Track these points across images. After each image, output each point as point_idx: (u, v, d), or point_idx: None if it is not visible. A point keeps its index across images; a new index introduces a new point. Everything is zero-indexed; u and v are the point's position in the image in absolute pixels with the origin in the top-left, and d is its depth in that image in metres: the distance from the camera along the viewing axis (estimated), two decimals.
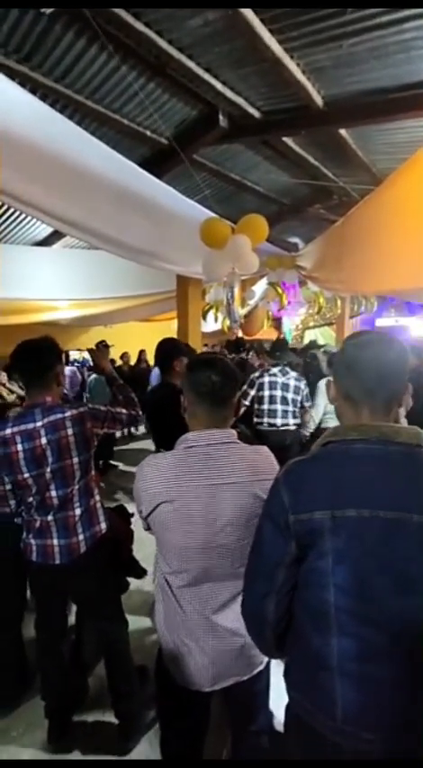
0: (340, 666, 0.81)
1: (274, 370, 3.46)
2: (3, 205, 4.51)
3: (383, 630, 0.80)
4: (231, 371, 1.14)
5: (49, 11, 2.67)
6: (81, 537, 1.56)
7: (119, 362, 7.56)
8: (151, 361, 7.90)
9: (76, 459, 1.52)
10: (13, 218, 5.08)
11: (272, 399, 3.38)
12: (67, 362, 6.75)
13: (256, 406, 3.44)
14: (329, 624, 0.81)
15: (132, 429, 7.27)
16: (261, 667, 1.20)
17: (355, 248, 3.25)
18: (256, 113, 3.86)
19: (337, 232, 3.78)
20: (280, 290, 6.26)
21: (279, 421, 3.35)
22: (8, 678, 1.93)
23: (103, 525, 1.64)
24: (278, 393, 3.38)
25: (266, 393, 3.40)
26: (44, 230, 5.48)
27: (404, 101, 3.22)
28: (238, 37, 2.82)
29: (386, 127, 3.84)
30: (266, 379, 3.42)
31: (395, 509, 0.79)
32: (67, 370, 6.49)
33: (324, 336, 9.82)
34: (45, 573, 1.59)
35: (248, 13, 2.54)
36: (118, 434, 6.89)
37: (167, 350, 2.34)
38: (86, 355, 5.97)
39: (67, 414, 1.51)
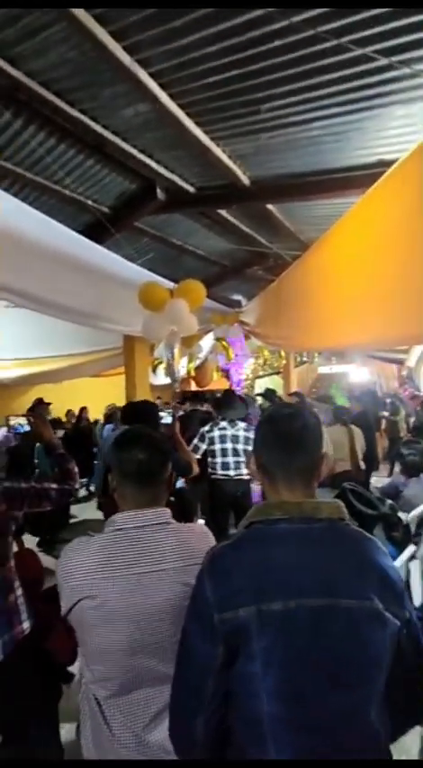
0: None
1: (223, 423, 3.50)
2: None
3: (324, 736, 0.73)
4: (159, 447, 1.09)
5: None
6: None
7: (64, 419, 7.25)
8: (93, 416, 7.65)
9: None
10: None
11: (223, 452, 3.42)
12: (8, 428, 6.31)
13: (209, 459, 3.46)
14: (264, 735, 0.72)
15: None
16: None
17: (289, 308, 3.49)
18: (191, 188, 4.19)
19: (272, 292, 4.05)
20: (226, 345, 6.52)
21: (232, 472, 3.39)
22: None
23: (27, 624, 1.43)
24: (229, 445, 3.42)
25: (217, 447, 3.43)
26: None
27: (317, 184, 3.68)
28: (167, 126, 3.11)
29: (306, 203, 4.31)
30: (216, 432, 3.46)
31: (321, 595, 0.75)
32: (0, 434, 6.05)
33: (274, 385, 10.19)
34: None
35: (173, 106, 2.83)
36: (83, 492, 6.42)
37: (148, 413, 2.34)
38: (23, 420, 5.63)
39: None
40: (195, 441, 3.47)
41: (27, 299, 2.67)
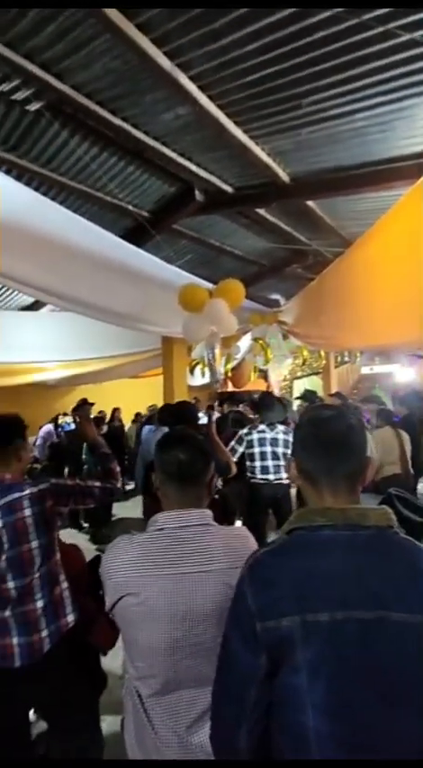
0: None
1: (262, 426, 3.43)
2: None
3: (376, 755, 0.69)
4: (201, 448, 1.09)
5: (34, 107, 2.95)
6: (44, 633, 1.40)
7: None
8: (125, 419, 7.80)
9: (34, 544, 1.41)
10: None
11: (263, 456, 3.35)
12: (56, 426, 6.62)
13: (247, 462, 3.40)
14: (310, 752, 0.70)
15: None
16: None
17: (332, 307, 3.39)
18: (229, 189, 4.18)
19: (313, 290, 3.95)
20: (264, 345, 6.45)
21: (272, 476, 3.32)
22: None
23: (71, 617, 1.48)
24: (268, 449, 3.35)
25: (257, 450, 3.36)
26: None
27: (362, 177, 3.55)
28: (206, 128, 3.12)
29: (349, 198, 4.17)
30: (255, 435, 3.39)
31: (372, 608, 0.72)
32: (43, 430, 6.31)
33: (312, 386, 9.96)
34: (3, 679, 1.41)
35: (212, 107, 2.84)
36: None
37: (185, 415, 2.39)
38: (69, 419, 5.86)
39: (26, 492, 1.42)
40: (232, 443, 3.42)
41: (73, 303, 2.79)
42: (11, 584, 1.39)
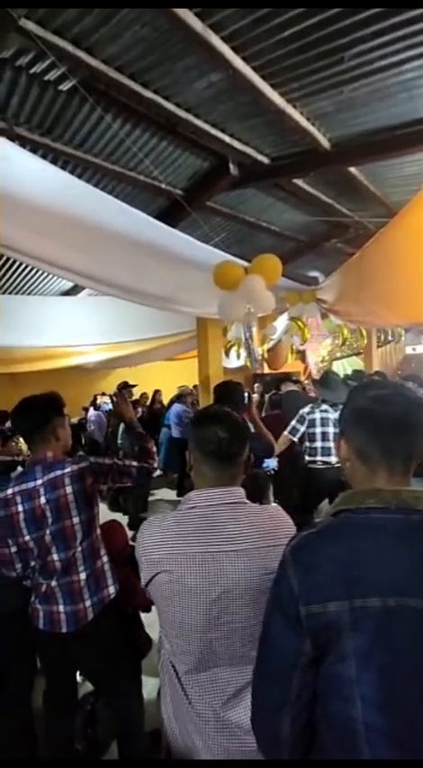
0: None
1: (325, 405, 3.28)
2: None
3: None
4: (239, 426, 1.06)
5: (66, 87, 2.93)
6: (88, 603, 1.47)
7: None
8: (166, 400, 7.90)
9: (76, 520, 1.46)
10: (41, 271, 5.41)
11: (324, 436, 3.19)
12: (95, 407, 6.84)
13: (307, 443, 3.26)
14: (359, 747, 0.66)
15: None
16: None
17: (374, 281, 3.19)
18: (265, 160, 3.99)
19: (354, 265, 3.74)
20: (301, 325, 6.24)
21: (334, 459, 3.15)
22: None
23: (112, 589, 1.54)
24: (330, 429, 3.19)
25: (318, 430, 3.21)
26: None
27: (409, 137, 3.25)
28: (241, 94, 2.97)
29: (394, 162, 3.86)
30: (318, 414, 3.25)
31: None
32: (92, 414, 6.55)
33: (352, 367, 9.60)
34: (52, 642, 1.50)
35: (247, 69, 2.68)
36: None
37: (237, 393, 2.45)
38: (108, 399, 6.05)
39: (67, 470, 1.46)
40: (293, 422, 3.29)
41: (108, 285, 2.80)
42: (56, 557, 1.45)
